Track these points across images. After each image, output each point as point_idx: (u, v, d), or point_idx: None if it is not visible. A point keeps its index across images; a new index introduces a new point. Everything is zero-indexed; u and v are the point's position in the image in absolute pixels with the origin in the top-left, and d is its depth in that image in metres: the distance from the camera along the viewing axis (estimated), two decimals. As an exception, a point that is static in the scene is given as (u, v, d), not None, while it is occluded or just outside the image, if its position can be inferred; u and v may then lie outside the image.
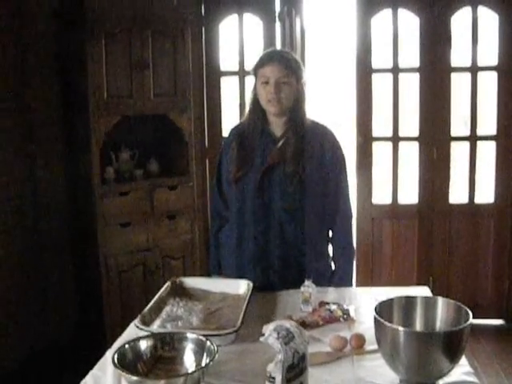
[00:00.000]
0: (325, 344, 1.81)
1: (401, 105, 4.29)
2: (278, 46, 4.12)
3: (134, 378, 1.49)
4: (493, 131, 4.24)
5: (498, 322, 4.34)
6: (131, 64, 3.54)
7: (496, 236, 4.29)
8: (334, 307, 2.04)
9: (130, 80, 3.55)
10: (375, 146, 4.35)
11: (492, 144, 4.28)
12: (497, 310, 4.33)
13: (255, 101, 2.35)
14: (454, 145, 4.29)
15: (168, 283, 2.21)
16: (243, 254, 2.39)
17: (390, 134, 4.33)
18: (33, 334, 3.73)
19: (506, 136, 4.20)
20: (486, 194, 4.40)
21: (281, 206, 2.32)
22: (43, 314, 3.81)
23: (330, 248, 2.50)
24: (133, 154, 3.82)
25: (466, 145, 4.30)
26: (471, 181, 4.30)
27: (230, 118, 4.27)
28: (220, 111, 4.33)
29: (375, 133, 4.33)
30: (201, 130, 4.23)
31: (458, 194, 4.44)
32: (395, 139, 4.33)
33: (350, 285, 2.49)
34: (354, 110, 4.34)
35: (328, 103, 7.27)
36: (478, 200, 4.33)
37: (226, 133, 2.57)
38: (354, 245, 2.55)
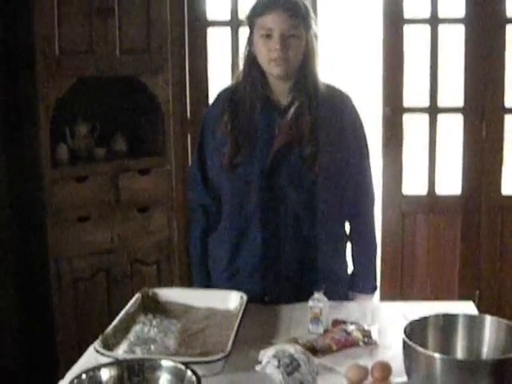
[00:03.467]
0: (339, 375, 1.82)
1: (440, 65, 4.28)
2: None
3: (94, 417, 1.50)
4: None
5: None
6: (91, 10, 3.52)
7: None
8: (351, 327, 2.05)
9: (89, 31, 3.54)
10: (407, 119, 4.35)
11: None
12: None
13: (251, 59, 2.33)
14: (509, 119, 4.30)
15: (138, 295, 2.21)
16: (244, 263, 2.40)
17: (426, 103, 4.33)
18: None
19: None
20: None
21: (296, 198, 2.33)
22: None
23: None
24: (92, 127, 3.81)
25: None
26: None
27: (219, 82, 4.26)
28: (206, 73, 4.32)
29: (407, 102, 4.33)
30: (181, 97, 4.22)
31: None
32: (433, 110, 4.32)
33: (374, 291, 2.53)
34: (380, 74, 4.32)
35: (346, 65, 7.25)
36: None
37: (213, 100, 2.54)
38: (379, 243, 2.57)
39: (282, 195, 2.33)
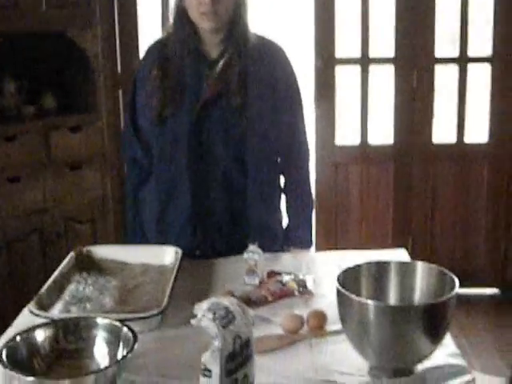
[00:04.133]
0: (276, 325, 1.83)
1: (372, 16, 4.29)
2: None
3: (29, 379, 1.47)
4: (487, 51, 4.30)
5: (492, 290, 4.48)
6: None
7: (490, 184, 4.40)
8: (286, 278, 2.07)
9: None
10: (339, 70, 4.37)
11: (486, 67, 4.34)
12: (490, 277, 4.47)
13: (181, 11, 2.30)
14: (438, 69, 4.34)
15: (72, 254, 2.19)
16: (176, 216, 2.39)
17: (357, 54, 4.35)
18: None
19: (503, 57, 4.27)
20: (478, 132, 4.49)
21: (225, 151, 2.33)
22: None
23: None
24: (20, 85, 3.74)
25: (455, 69, 4.36)
26: (460, 114, 4.37)
27: (151, 36, 4.19)
28: (136, 26, 4.26)
29: (339, 53, 4.34)
30: (111, 52, 4.14)
31: (443, 132, 4.51)
32: (365, 61, 4.34)
33: (310, 245, 2.54)
34: (312, 23, 4.31)
35: (277, 16, 7.20)
36: (469, 139, 4.42)
37: (144, 53, 2.51)
38: (313, 194, 2.59)
39: (211, 148, 2.32)
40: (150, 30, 4.37)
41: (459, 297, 1.58)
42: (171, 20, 2.37)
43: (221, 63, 2.30)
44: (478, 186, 4.40)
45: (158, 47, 2.41)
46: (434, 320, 1.54)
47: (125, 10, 4.23)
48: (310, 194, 2.57)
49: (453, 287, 1.59)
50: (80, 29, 3.70)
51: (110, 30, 4.13)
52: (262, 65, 2.35)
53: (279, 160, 2.47)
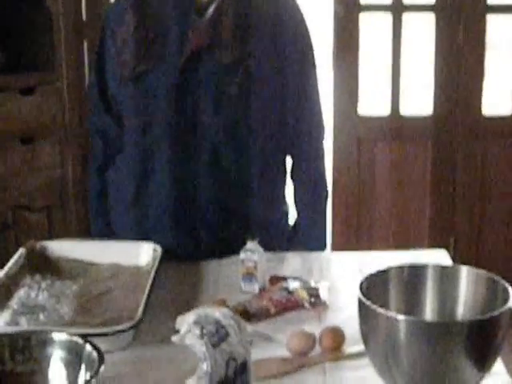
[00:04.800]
0: (280, 345, 1.84)
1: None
2: None
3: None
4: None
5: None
6: None
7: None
8: (294, 285, 2.07)
9: None
10: (364, 19, 4.36)
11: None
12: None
13: None
14: (491, 19, 4.33)
15: (21, 251, 2.20)
16: (151, 204, 2.40)
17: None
18: None
19: None
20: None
21: (214, 119, 2.33)
22: None
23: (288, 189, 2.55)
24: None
25: (510, 19, 4.35)
26: (519, 78, 4.38)
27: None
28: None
29: (364, -2, 4.35)
30: (74, -7, 4.15)
31: (496, 102, 4.51)
32: (397, 8, 4.34)
33: (323, 246, 2.55)
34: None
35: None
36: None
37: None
38: (329, 182, 2.59)
39: (197, 115, 2.32)
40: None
41: (513, 311, 1.58)
42: None
43: (212, 8, 2.29)
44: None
45: None
46: (481, 340, 1.54)
47: None
48: (324, 179, 2.55)
49: (506, 299, 1.59)
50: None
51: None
52: (265, 13, 2.34)
53: (285, 136, 2.47)
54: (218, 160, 2.35)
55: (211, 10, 2.29)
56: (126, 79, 2.35)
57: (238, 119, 2.34)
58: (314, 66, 2.46)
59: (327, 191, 2.57)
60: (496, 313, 1.56)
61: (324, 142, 2.55)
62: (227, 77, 2.29)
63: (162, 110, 2.33)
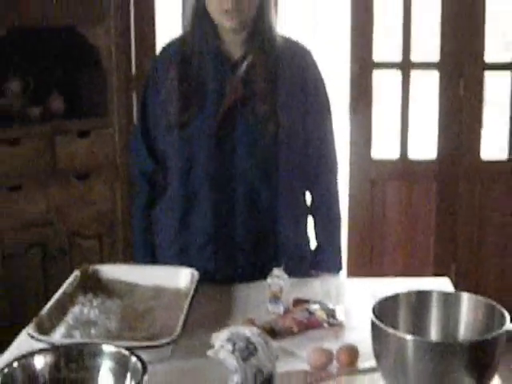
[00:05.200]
0: (301, 360, 1.82)
1: (414, 17, 4.28)
2: None
3: (26, 411, 1.49)
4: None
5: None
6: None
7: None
8: (314, 307, 2.06)
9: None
10: (377, 75, 4.36)
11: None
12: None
13: (201, 8, 2.31)
14: (489, 75, 4.32)
15: (76, 273, 2.19)
16: (194, 235, 2.39)
17: (398, 58, 4.34)
18: None
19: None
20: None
21: (250, 162, 2.33)
22: None
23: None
24: (25, 84, 3.77)
25: (507, 76, 4.34)
26: (512, 127, 4.35)
27: (168, 33, 4.22)
28: (154, 22, 4.29)
29: (377, 57, 4.34)
30: (125, 50, 4.17)
31: (493, 148, 4.49)
32: (406, 66, 4.33)
33: (339, 269, 2.54)
34: (348, 25, 4.32)
35: (308, 15, 7.24)
36: (522, 155, 4.39)
37: (158, 53, 2.53)
38: (344, 218, 2.58)
39: (235, 159, 2.32)
40: (168, 26, 4.40)
41: (509, 334, 1.56)
42: (190, 17, 2.37)
43: (244, 65, 2.30)
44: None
45: (175, 45, 2.42)
46: (480, 359, 1.52)
47: (141, 4, 4.26)
48: (339, 212, 2.55)
49: (503, 323, 1.57)
50: (91, 23, 3.73)
51: (125, 25, 4.16)
52: (289, 70, 2.35)
53: (306, 175, 2.47)
54: (252, 197, 2.35)
55: (244, 66, 2.30)
56: (170, 128, 2.35)
57: (269, 161, 2.34)
58: (330, 115, 2.47)
59: (340, 224, 2.57)
60: (493, 335, 1.55)
61: (338, 179, 2.55)
62: (260, 125, 2.29)
63: (202, 155, 2.33)
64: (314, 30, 6.99)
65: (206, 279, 2.22)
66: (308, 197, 2.52)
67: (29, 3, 3.52)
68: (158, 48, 4.15)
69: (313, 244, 2.54)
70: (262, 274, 2.16)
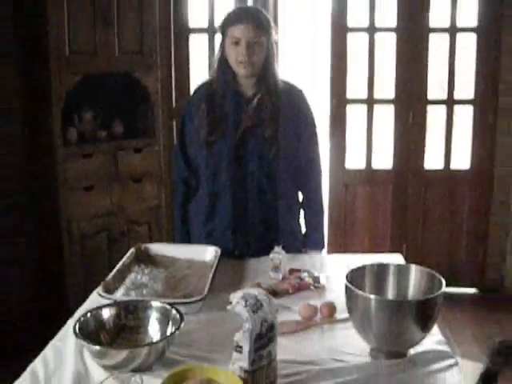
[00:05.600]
0: (294, 312, 1.82)
1: (376, 66, 4.27)
2: (250, 3, 4.05)
3: (97, 348, 1.49)
4: (470, 95, 4.27)
5: (473, 290, 4.42)
6: (95, 19, 3.46)
7: (471, 203, 4.34)
8: (304, 275, 2.05)
9: (93, 36, 3.47)
10: (349, 108, 4.34)
11: (469, 108, 4.30)
12: (471, 279, 4.40)
13: (223, 60, 2.31)
14: (430, 108, 4.31)
15: (132, 249, 2.19)
16: (218, 223, 2.38)
17: (364, 96, 4.32)
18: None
19: (483, 100, 4.22)
20: (462, 160, 4.44)
21: (259, 170, 2.32)
22: (3, 281, 3.76)
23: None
24: (96, 114, 3.75)
25: (443, 109, 4.32)
26: (447, 146, 4.33)
27: (199, 78, 4.21)
28: (188, 70, 4.28)
29: (349, 95, 4.32)
30: (168, 90, 4.17)
31: (433, 160, 4.47)
32: (370, 102, 4.32)
33: (322, 246, 2.53)
34: (328, 71, 4.31)
35: (301, 63, 7.22)
36: (454, 166, 4.37)
37: (192, 92, 2.53)
38: (326, 209, 2.59)
39: (248, 167, 2.32)
40: (198, 73, 4.39)
41: (445, 295, 1.56)
42: (215, 66, 2.38)
43: (255, 101, 2.31)
44: (461, 205, 4.35)
45: (204, 88, 2.41)
46: (424, 313, 1.52)
47: (179, 58, 4.26)
48: (323, 207, 2.55)
49: (440, 287, 1.57)
50: (144, 71, 3.71)
51: (168, 73, 4.16)
52: (288, 104, 2.35)
53: (299, 179, 2.45)
54: (260, 195, 2.34)
55: (254, 102, 2.30)
56: (201, 146, 2.35)
57: (273, 169, 2.33)
58: (317, 137, 2.46)
59: (323, 215, 2.56)
60: (434, 295, 1.55)
61: (322, 182, 2.54)
62: (266, 144, 2.30)
63: (224, 166, 2.33)
64: (309, 74, 6.99)
65: (226, 255, 2.22)
66: (300, 195, 2.51)
67: (99, 56, 3.51)
68: (191, 89, 4.18)
69: (303, 229, 2.53)
70: (267, 251, 2.15)
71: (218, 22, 4.04)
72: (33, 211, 3.86)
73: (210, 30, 4.22)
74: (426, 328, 1.54)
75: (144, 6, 3.64)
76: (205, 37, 4.26)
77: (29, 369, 1.54)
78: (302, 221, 2.53)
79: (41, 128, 3.64)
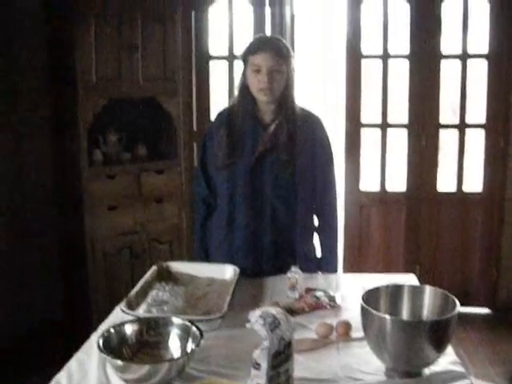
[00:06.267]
0: (311, 331, 1.81)
1: (390, 91, 4.27)
2: (268, 32, 4.08)
3: (119, 362, 1.48)
4: (482, 120, 4.24)
5: (485, 310, 4.36)
6: (120, 47, 3.50)
7: (484, 225, 4.29)
8: (320, 294, 2.04)
9: (118, 63, 3.51)
10: (364, 132, 4.33)
11: (481, 132, 4.28)
12: (484, 299, 4.34)
13: (244, 87, 2.33)
14: (442, 132, 4.29)
15: (154, 267, 2.19)
16: (234, 241, 2.38)
17: (378, 120, 4.32)
18: (16, 316, 3.70)
19: (495, 125, 4.19)
20: (474, 183, 4.41)
21: (273, 193, 2.32)
22: (28, 296, 3.78)
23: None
24: (120, 137, 3.78)
25: (455, 133, 4.30)
26: (459, 169, 4.30)
27: (219, 103, 4.24)
28: (209, 95, 4.30)
29: (364, 119, 4.32)
30: (189, 114, 4.20)
31: (446, 182, 4.45)
32: (384, 126, 4.31)
33: (336, 270, 2.50)
34: (343, 97, 4.31)
35: (317, 89, 7.24)
36: (466, 189, 4.33)
37: (214, 117, 2.55)
38: (341, 230, 2.57)
39: (262, 190, 2.32)
40: (218, 98, 4.43)
41: (458, 315, 1.54)
42: (236, 93, 2.40)
43: (273, 126, 2.32)
44: (474, 227, 4.30)
45: (225, 113, 2.43)
46: (438, 333, 1.50)
47: (200, 84, 4.29)
48: (337, 229, 2.51)
49: (454, 307, 1.55)
50: (167, 96, 3.74)
51: (189, 98, 4.18)
52: (305, 130, 2.35)
53: (314, 203, 2.44)
54: (275, 216, 2.34)
55: (272, 127, 2.31)
56: (220, 168, 2.36)
57: (288, 192, 2.33)
58: (332, 162, 2.46)
59: (338, 239, 2.53)
60: (448, 316, 1.53)
61: (337, 207, 2.52)
62: (282, 167, 2.30)
63: (241, 187, 2.33)
64: (323, 99, 7.01)
65: (243, 273, 2.21)
66: (315, 219, 2.49)
67: (123, 81, 3.55)
68: (211, 113, 4.21)
69: (317, 252, 2.51)
70: (280, 271, 2.14)
71: (237, 50, 4.13)
72: (58, 229, 3.89)
73: (230, 58, 4.25)
74: (440, 348, 1.52)
75: (167, 34, 3.68)
76: (224, 64, 4.29)
77: (53, 380, 1.54)
78: (316, 243, 2.51)
79: (68, 149, 3.68)
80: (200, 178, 2.47)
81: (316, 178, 2.39)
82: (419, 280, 2.22)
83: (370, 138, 4.46)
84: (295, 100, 2.35)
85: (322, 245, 2.49)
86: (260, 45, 2.28)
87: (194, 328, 1.60)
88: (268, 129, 2.32)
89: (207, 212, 2.49)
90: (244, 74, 2.32)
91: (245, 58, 2.30)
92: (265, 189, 2.32)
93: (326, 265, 2.47)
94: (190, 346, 1.57)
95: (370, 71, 4.34)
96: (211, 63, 4.29)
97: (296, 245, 2.38)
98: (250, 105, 2.33)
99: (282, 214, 2.34)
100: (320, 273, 2.43)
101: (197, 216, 2.55)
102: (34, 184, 3.78)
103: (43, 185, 3.82)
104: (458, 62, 4.19)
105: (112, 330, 1.61)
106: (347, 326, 1.79)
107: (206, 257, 2.50)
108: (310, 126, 2.38)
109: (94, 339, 1.63)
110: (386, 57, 4.23)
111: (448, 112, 4.55)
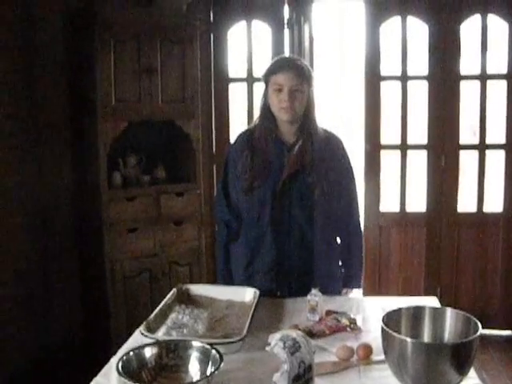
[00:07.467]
0: (331, 354, 1.79)
1: (409, 113, 4.27)
2: (287, 53, 4.11)
3: (139, 386, 1.48)
4: (502, 140, 4.22)
5: (507, 332, 4.30)
6: (140, 70, 3.55)
7: (504, 246, 4.25)
8: (340, 316, 2.03)
9: (138, 86, 3.55)
10: (383, 153, 4.33)
11: (501, 153, 4.26)
12: (506, 321, 4.29)
13: (266, 108, 2.34)
14: (462, 153, 4.28)
15: (174, 290, 2.20)
16: (260, 265, 2.38)
17: (398, 142, 4.32)
18: (36, 340, 3.71)
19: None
20: (494, 204, 4.38)
21: (300, 214, 2.33)
22: (48, 319, 3.80)
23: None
24: (140, 159, 3.82)
25: (475, 154, 4.28)
26: (480, 190, 4.27)
27: (238, 125, 4.27)
28: (228, 118, 4.33)
29: (383, 141, 4.32)
30: (208, 137, 4.23)
31: (466, 203, 4.42)
32: (403, 147, 4.31)
33: (360, 286, 2.53)
34: (363, 118, 4.32)
35: (336, 111, 7.27)
36: (487, 209, 4.30)
37: (233, 139, 2.55)
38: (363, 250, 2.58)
39: (290, 212, 2.32)
40: (238, 120, 4.46)
41: (480, 337, 1.52)
42: (257, 114, 2.42)
43: (296, 147, 2.32)
44: (495, 248, 4.26)
45: (246, 134, 2.44)
46: (461, 356, 1.48)
47: (219, 105, 4.33)
48: (362, 250, 2.54)
49: (476, 329, 1.53)
50: (186, 119, 3.77)
51: (208, 120, 4.22)
52: (328, 151, 2.36)
53: (338, 224, 2.44)
54: (302, 237, 2.34)
55: (296, 148, 2.32)
56: (245, 191, 2.36)
57: (313, 214, 2.33)
58: (354, 183, 2.47)
59: (362, 256, 2.55)
60: (470, 338, 1.51)
61: (361, 228, 2.54)
62: (309, 190, 2.31)
63: (267, 210, 2.33)
64: (342, 121, 7.04)
65: (268, 295, 2.21)
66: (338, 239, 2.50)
67: (143, 104, 3.59)
68: (231, 135, 4.23)
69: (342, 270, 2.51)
70: (308, 292, 2.14)
71: (255, 72, 4.16)
72: (78, 252, 3.91)
73: (249, 80, 4.29)
74: (462, 371, 1.50)
75: (186, 57, 3.72)
76: (243, 86, 4.33)
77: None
78: (340, 262, 2.51)
79: (88, 172, 3.71)
80: (222, 201, 2.47)
81: (341, 197, 2.40)
82: (440, 302, 2.20)
83: (389, 159, 4.45)
84: (317, 121, 2.37)
85: (347, 263, 2.50)
86: (281, 64, 2.30)
87: (213, 351, 1.60)
88: (292, 150, 2.33)
89: (229, 236, 2.48)
90: (265, 95, 2.34)
91: (266, 78, 2.32)
92: (292, 211, 2.32)
93: (352, 282, 2.49)
94: (210, 369, 1.57)
95: (389, 92, 4.35)
96: (230, 85, 4.33)
97: (321, 267, 2.37)
98: (272, 126, 2.34)
99: (309, 235, 2.34)
100: (346, 291, 2.45)
101: (219, 239, 2.55)
102: (55, 207, 3.82)
103: (63, 208, 3.86)
104: (477, 83, 4.19)
105: (131, 354, 1.61)
106: (368, 349, 1.77)
107: (230, 279, 2.50)
108: (332, 147, 2.39)
109: (114, 362, 1.63)
110: (405, 78, 4.24)
111: (468, 133, 4.54)
